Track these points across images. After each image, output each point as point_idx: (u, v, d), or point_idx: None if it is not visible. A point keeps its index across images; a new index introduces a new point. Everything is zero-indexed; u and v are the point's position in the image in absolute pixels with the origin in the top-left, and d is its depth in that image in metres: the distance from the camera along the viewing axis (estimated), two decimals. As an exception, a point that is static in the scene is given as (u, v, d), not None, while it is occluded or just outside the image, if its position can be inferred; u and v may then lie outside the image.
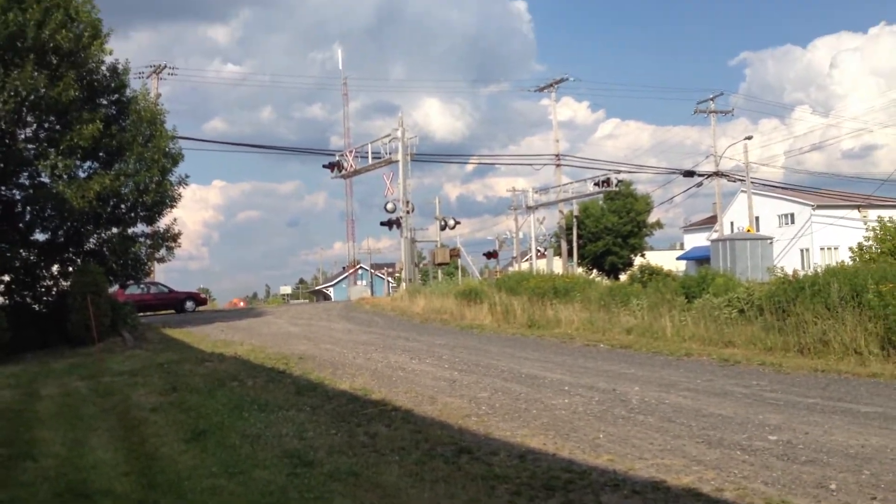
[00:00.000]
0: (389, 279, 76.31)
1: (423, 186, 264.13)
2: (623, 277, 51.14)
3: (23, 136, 21.13)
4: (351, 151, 43.58)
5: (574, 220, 55.66)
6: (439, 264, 44.51)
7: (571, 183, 53.87)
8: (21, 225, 21.55)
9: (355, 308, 33.69)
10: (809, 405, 10.08)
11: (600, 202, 60.10)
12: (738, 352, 15.12)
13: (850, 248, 34.22)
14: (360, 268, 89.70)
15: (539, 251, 57.17)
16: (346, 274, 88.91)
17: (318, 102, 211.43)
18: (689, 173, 53.50)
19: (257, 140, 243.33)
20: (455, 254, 47.87)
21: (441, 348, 17.51)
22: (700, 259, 56.23)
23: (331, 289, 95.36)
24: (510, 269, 59.55)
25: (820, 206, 57.76)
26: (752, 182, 52.74)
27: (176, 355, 16.40)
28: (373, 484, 6.92)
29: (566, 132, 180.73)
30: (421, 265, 49.21)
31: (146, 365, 15.03)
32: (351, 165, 42.31)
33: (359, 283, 79.83)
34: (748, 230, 46.66)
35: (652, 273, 25.57)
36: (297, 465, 7.53)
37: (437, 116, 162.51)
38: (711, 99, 54.47)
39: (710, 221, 67.44)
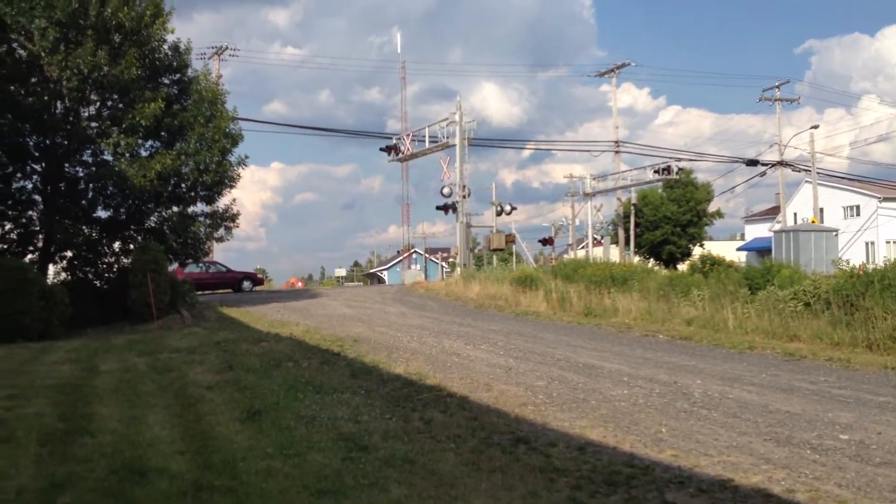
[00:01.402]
0: (443, 264, 76.33)
1: (480, 172, 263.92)
2: (681, 267, 50.24)
3: (86, 115, 21.47)
4: (408, 135, 43.38)
5: (632, 207, 54.77)
6: (494, 250, 44.32)
7: (630, 170, 52.93)
8: (84, 202, 21.94)
9: (409, 292, 33.66)
10: (881, 403, 9.68)
11: (659, 190, 59.10)
12: (804, 346, 14.67)
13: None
14: (415, 252, 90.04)
15: (595, 239, 56.49)
16: (401, 258, 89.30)
17: (377, 86, 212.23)
18: (753, 162, 52.25)
19: (316, 123, 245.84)
20: (510, 240, 47.55)
21: (496, 335, 17.33)
22: (761, 250, 55.14)
23: (385, 272, 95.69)
24: (566, 256, 59.10)
25: (886, 199, 56.12)
26: (816, 172, 51.38)
27: (232, 334, 16.47)
28: (428, 471, 6.77)
29: (626, 119, 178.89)
30: (476, 250, 49.12)
31: (203, 343, 15.11)
32: (408, 149, 42.15)
33: (413, 267, 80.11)
34: (812, 221, 45.49)
35: (713, 263, 24.94)
36: (351, 448, 7.42)
37: (494, 101, 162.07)
38: (777, 87, 52.87)
39: (773, 212, 66.03)
